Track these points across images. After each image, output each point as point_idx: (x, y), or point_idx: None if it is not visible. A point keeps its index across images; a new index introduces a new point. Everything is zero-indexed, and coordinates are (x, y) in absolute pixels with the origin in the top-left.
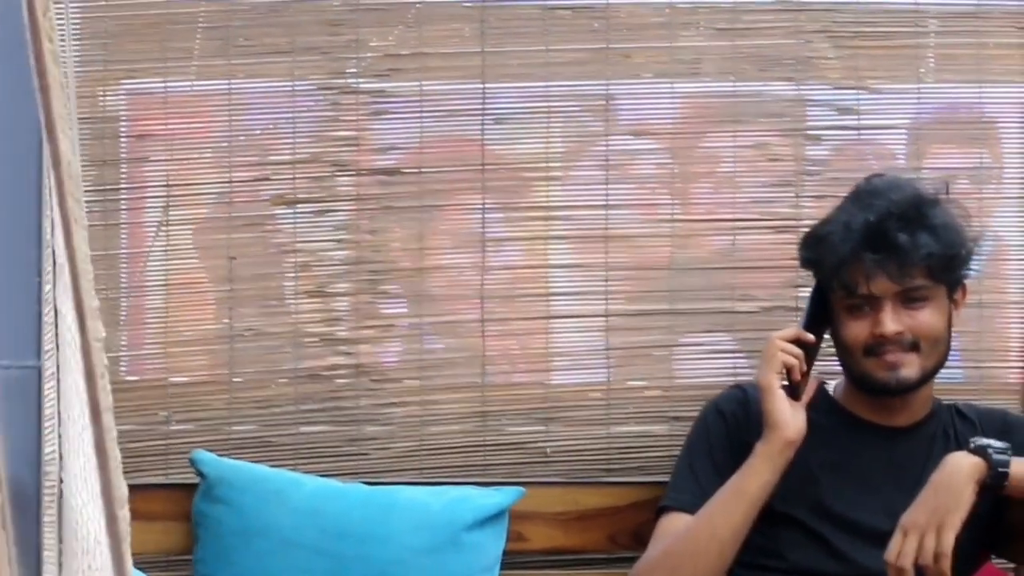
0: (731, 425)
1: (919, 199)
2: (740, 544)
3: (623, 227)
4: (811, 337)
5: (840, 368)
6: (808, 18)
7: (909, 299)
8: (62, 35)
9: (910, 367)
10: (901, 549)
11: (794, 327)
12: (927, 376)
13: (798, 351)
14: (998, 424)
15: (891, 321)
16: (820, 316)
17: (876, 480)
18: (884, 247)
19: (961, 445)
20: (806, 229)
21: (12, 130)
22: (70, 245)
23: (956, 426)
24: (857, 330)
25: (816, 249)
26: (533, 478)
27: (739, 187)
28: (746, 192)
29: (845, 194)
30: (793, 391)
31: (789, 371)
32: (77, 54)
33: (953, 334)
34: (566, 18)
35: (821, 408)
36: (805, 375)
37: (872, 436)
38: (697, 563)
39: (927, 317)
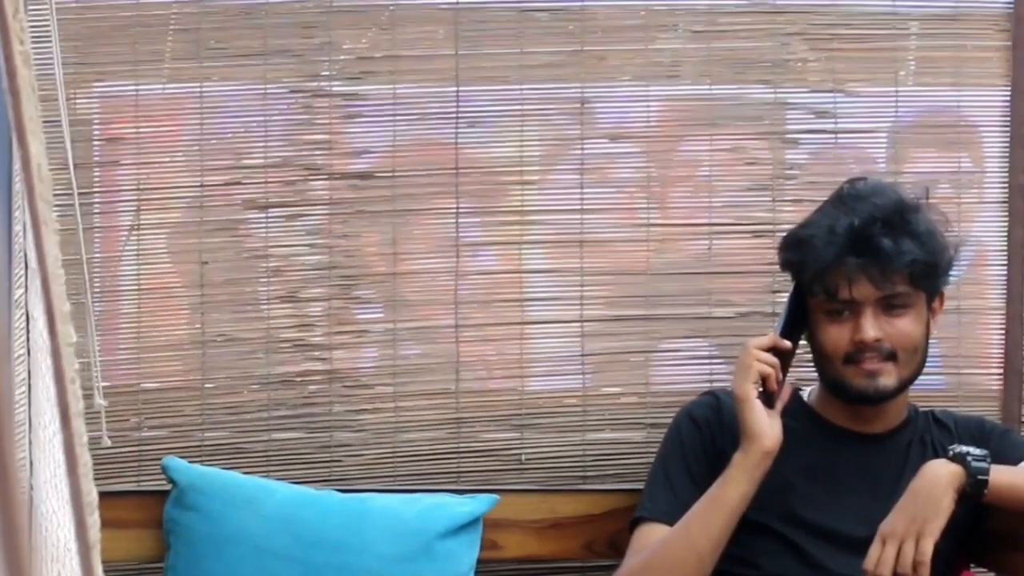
0: (705, 432)
1: (902, 205)
2: (719, 555)
3: (599, 232)
4: (788, 344)
5: (815, 375)
6: (785, 21)
7: (890, 306)
8: (37, 37)
9: (888, 376)
10: (880, 557)
11: (770, 335)
12: (904, 385)
13: (774, 360)
14: (975, 431)
15: (871, 327)
16: (797, 321)
17: (851, 487)
18: (868, 252)
19: (938, 452)
20: (783, 233)
21: None
22: (40, 248)
23: (933, 433)
24: (836, 336)
25: (798, 251)
26: (507, 485)
27: (716, 191)
28: (723, 196)
29: (823, 198)
30: (768, 399)
31: (765, 380)
32: (48, 56)
33: (932, 341)
34: (541, 20)
35: (796, 415)
36: (780, 382)
37: (847, 443)
38: (676, 575)
39: (906, 325)
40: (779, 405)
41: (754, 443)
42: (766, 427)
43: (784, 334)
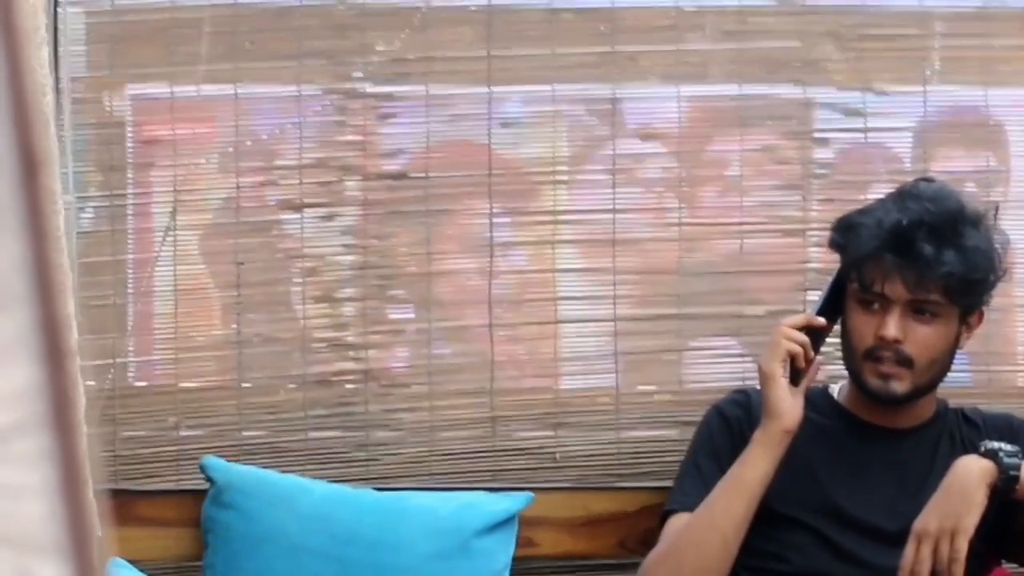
0: (735, 429)
1: (958, 215)
2: (743, 536)
3: (631, 231)
4: (822, 321)
5: (845, 371)
6: (814, 20)
7: (919, 311)
8: (73, 40)
9: (901, 382)
10: (916, 556)
11: (804, 313)
12: (919, 392)
13: (804, 339)
14: (1003, 429)
15: (894, 326)
16: (836, 301)
17: (879, 480)
18: (907, 253)
19: (967, 449)
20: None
21: None
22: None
23: (962, 430)
24: (862, 326)
25: (845, 235)
26: (543, 483)
27: (746, 190)
28: (753, 195)
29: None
30: (795, 376)
31: (794, 358)
32: (83, 59)
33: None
34: (572, 21)
35: (825, 412)
36: (811, 360)
37: (875, 438)
38: (700, 555)
39: (930, 335)
40: (804, 383)
41: (774, 421)
42: (787, 406)
43: (821, 312)
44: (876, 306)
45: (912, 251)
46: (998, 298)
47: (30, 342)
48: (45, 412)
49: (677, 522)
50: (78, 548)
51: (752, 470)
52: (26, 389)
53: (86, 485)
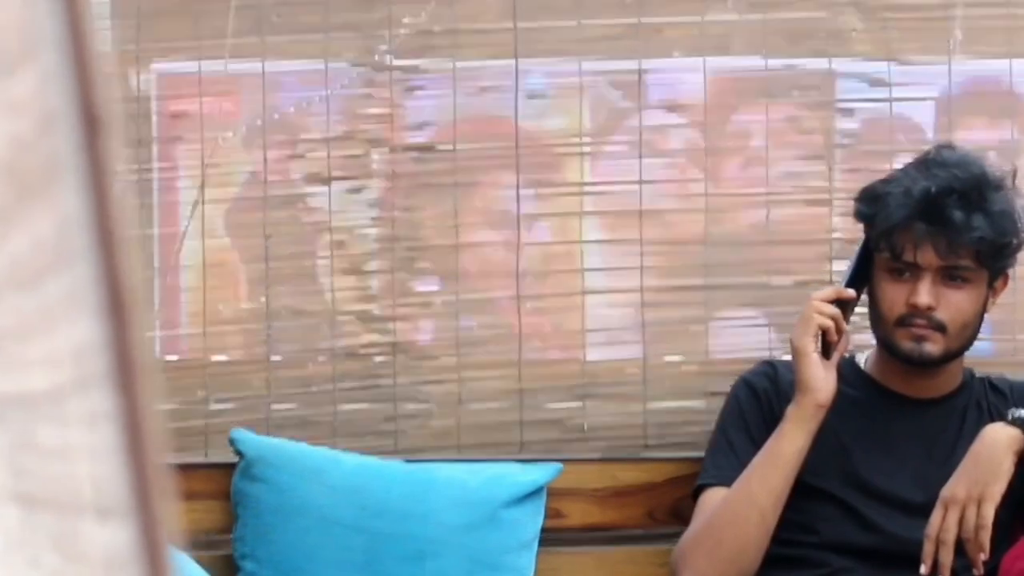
0: (763, 400)
1: (983, 180)
2: (780, 511)
3: (657, 203)
4: (852, 293)
5: (872, 339)
6: None
7: (950, 277)
8: (97, 15)
9: (934, 344)
10: (943, 524)
11: (833, 286)
12: (950, 356)
13: (835, 311)
14: None
15: (926, 294)
16: (863, 272)
17: (907, 451)
18: (938, 220)
19: (994, 417)
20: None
21: None
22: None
23: (989, 398)
24: (893, 296)
25: (871, 205)
26: (570, 454)
27: (771, 161)
28: (778, 166)
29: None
30: (825, 349)
31: (825, 332)
32: (109, 34)
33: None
34: None
35: (852, 382)
36: (842, 332)
37: (902, 407)
38: (739, 532)
39: (962, 300)
40: (836, 356)
41: (807, 395)
42: (820, 380)
43: (849, 284)
44: (906, 274)
45: (943, 218)
46: (1021, 267)
47: (90, 298)
48: (106, 371)
49: (712, 497)
50: (141, 508)
51: (788, 445)
52: (85, 347)
53: (149, 445)
